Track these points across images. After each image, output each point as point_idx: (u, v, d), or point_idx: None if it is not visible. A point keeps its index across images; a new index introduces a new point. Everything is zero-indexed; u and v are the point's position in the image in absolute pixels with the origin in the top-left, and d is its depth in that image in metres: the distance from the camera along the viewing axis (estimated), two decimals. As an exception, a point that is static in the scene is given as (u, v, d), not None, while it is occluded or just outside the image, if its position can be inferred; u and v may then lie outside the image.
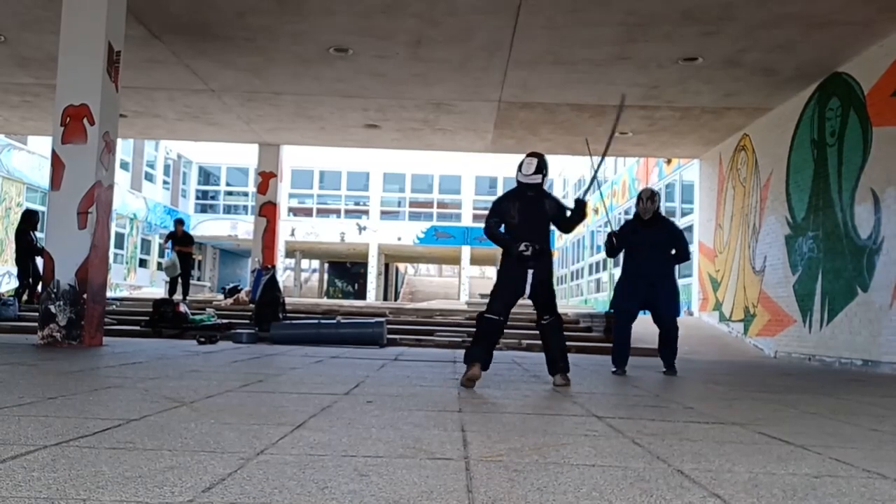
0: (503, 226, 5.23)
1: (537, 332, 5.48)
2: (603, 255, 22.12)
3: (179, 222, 15.87)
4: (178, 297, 13.71)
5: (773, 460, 2.62)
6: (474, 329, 5.30)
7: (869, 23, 8.09)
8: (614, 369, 6.70)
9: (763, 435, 3.22)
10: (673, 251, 6.86)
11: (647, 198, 6.79)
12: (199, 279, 30.29)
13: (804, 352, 10.09)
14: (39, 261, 10.85)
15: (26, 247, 12.59)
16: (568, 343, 5.83)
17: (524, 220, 5.17)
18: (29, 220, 12.91)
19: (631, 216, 7.20)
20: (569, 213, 5.36)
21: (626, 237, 6.91)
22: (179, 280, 14.98)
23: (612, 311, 7.46)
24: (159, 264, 14.93)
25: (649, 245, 6.72)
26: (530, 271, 5.11)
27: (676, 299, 6.96)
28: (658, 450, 2.74)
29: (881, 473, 2.44)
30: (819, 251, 9.90)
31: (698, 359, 9.35)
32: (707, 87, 10.40)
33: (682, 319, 7.13)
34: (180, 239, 15.22)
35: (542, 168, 5.24)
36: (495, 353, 5.42)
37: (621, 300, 6.88)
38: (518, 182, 5.29)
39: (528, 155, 5.33)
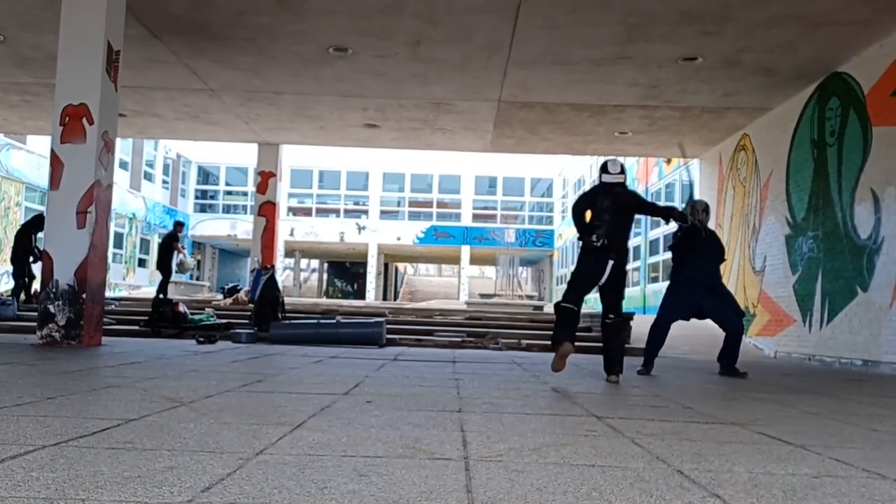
0: (588, 216, 5.77)
1: (600, 331, 5.96)
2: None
3: (180, 224, 15.88)
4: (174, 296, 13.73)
5: (773, 460, 2.62)
6: (553, 318, 5.82)
7: (869, 23, 8.09)
8: (641, 369, 6.77)
9: (763, 435, 3.22)
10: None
11: (703, 209, 7.14)
12: (198, 279, 30.28)
13: (804, 352, 10.09)
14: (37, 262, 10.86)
15: (26, 247, 12.60)
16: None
17: (613, 215, 5.66)
18: (37, 223, 12.88)
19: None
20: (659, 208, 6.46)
21: (687, 241, 7.10)
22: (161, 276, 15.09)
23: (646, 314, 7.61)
24: (180, 265, 14.94)
25: (707, 251, 7.09)
26: (610, 262, 5.58)
27: (737, 302, 7.39)
28: (658, 450, 2.74)
29: (881, 473, 2.44)
30: (819, 251, 9.90)
31: (698, 359, 9.34)
32: (707, 86, 10.40)
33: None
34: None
35: (623, 169, 5.88)
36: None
37: (675, 306, 7.00)
38: (603, 183, 5.82)
39: (608, 160, 6.01)
